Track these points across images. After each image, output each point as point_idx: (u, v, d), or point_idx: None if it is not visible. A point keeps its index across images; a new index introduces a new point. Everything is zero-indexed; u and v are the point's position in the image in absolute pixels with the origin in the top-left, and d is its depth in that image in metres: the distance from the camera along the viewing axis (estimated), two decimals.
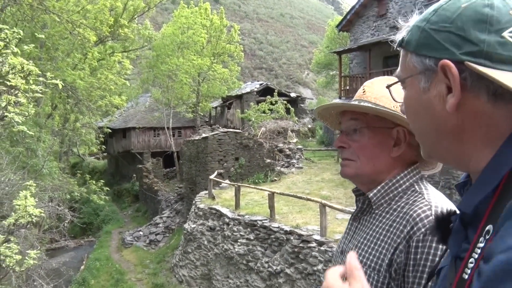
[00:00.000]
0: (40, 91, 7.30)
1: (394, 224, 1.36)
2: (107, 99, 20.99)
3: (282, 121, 29.57)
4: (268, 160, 22.81)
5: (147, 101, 38.10)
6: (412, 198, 1.40)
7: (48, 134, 19.53)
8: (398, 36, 0.95)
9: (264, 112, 28.91)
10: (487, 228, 0.72)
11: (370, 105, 1.46)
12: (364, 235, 1.46)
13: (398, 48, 0.94)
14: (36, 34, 15.02)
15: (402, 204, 1.40)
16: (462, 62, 0.76)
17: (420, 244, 1.27)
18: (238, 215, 14.21)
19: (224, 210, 15.09)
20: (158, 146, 36.99)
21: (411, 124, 0.93)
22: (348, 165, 1.50)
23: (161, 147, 36.74)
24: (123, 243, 24.17)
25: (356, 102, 1.50)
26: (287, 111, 29.37)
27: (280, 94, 32.13)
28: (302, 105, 39.43)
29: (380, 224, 1.42)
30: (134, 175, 34.41)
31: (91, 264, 21.07)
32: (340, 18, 40.46)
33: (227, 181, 19.19)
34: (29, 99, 7.39)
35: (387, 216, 1.42)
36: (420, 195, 1.39)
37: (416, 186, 1.44)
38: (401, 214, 1.37)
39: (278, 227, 12.19)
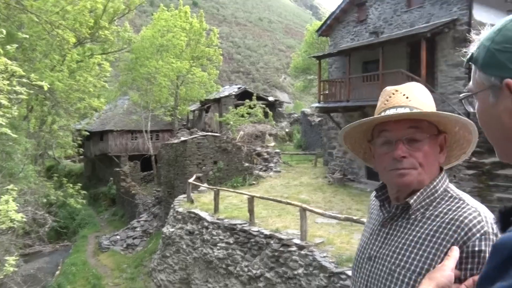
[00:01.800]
0: (25, 93, 7.17)
1: (441, 230, 1.38)
2: (86, 101, 20.76)
3: (260, 125, 29.67)
4: (247, 164, 22.83)
5: (125, 104, 37.80)
6: (453, 204, 1.43)
7: (23, 136, 19.18)
8: (470, 49, 1.01)
9: (242, 116, 28.95)
10: None
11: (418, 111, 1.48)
12: (402, 241, 1.46)
13: (469, 63, 1.01)
14: (17, 34, 14.75)
15: (445, 210, 1.42)
16: None
17: (476, 249, 1.30)
18: (217, 219, 14.16)
19: (203, 214, 15.02)
20: (135, 149, 36.73)
21: (485, 133, 1.00)
22: (409, 173, 1.46)
23: (139, 150, 36.48)
24: (99, 248, 23.88)
25: (408, 110, 1.49)
26: (265, 115, 29.45)
27: (258, 98, 32.24)
28: (280, 109, 39.62)
29: (422, 230, 1.43)
30: (111, 178, 34.07)
31: (66, 269, 20.74)
32: (318, 23, 40.79)
33: (205, 184, 19.12)
34: (13, 100, 7.26)
35: (428, 222, 1.43)
36: (461, 201, 1.43)
37: (451, 191, 1.49)
38: (447, 220, 1.39)
39: (258, 231, 12.19)
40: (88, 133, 27.78)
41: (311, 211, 10.84)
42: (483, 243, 1.30)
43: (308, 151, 30.35)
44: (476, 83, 0.97)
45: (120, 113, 37.09)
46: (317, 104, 21.90)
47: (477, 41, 0.99)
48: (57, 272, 21.13)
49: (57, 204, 24.45)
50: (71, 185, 21.25)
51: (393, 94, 1.55)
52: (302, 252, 10.39)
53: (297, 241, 10.85)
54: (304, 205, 11.12)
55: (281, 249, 11.03)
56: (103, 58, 24.23)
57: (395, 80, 16.63)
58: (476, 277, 1.23)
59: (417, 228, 1.45)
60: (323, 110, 21.39)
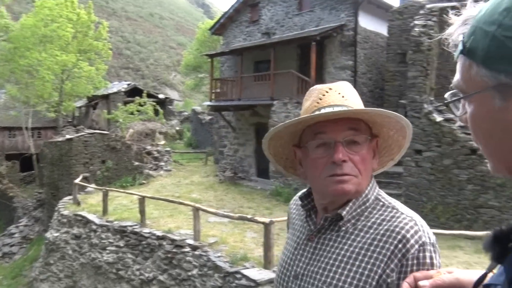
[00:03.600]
0: None
1: (376, 242, 1.26)
2: None
3: (150, 122, 29.08)
4: (136, 163, 22.25)
5: (1, 98, 35.00)
6: (387, 213, 1.32)
7: None
8: (452, 34, 0.79)
9: (132, 113, 28.14)
10: None
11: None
12: (333, 256, 1.33)
13: (457, 55, 0.78)
14: None
15: (378, 221, 1.31)
16: None
17: (415, 262, 1.21)
18: (106, 221, 13.55)
19: (91, 216, 14.30)
20: (14, 148, 34.22)
21: (481, 145, 0.79)
22: (349, 180, 1.32)
23: (18, 149, 34.06)
24: None
25: (345, 109, 1.34)
26: (156, 112, 28.90)
27: (149, 96, 31.54)
28: (170, 107, 39.22)
29: (355, 243, 1.30)
30: None
31: None
32: (210, 21, 40.79)
33: (93, 185, 18.27)
34: None
35: (361, 234, 1.31)
36: (395, 210, 1.33)
37: (382, 200, 1.38)
38: (382, 231, 1.27)
39: (150, 233, 11.84)
40: None
41: (204, 210, 10.72)
42: (421, 254, 1.21)
43: (199, 149, 30.30)
44: (472, 82, 0.74)
45: None
46: (208, 103, 21.90)
47: (464, 24, 0.77)
48: None
49: None
50: None
51: (327, 92, 1.40)
52: (196, 252, 10.23)
53: (191, 241, 10.67)
54: (197, 205, 11.02)
55: (174, 250, 10.79)
56: None
57: (286, 81, 17.11)
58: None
59: (349, 242, 1.32)
60: (214, 109, 21.44)
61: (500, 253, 0.76)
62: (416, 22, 13.55)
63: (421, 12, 14.10)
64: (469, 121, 0.79)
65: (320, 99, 1.39)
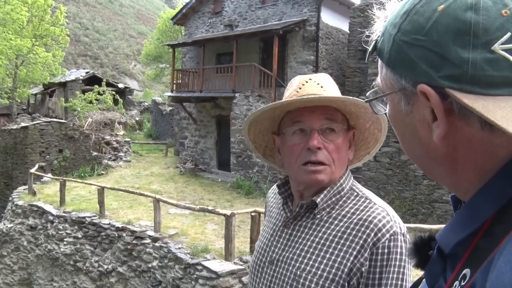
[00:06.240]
0: None
1: (349, 231, 1.31)
2: None
3: (109, 112, 28.59)
4: (95, 153, 21.90)
5: None
6: (360, 203, 1.38)
7: None
8: (374, 32, 0.75)
9: (90, 102, 27.54)
10: (464, 272, 0.60)
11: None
12: (308, 243, 1.37)
13: (368, 53, 0.77)
14: None
15: (352, 210, 1.36)
16: (443, 87, 0.60)
17: (386, 250, 1.26)
18: (64, 212, 13.29)
19: (47, 207, 13.98)
20: None
21: (400, 143, 0.77)
22: (323, 171, 1.36)
23: None
24: None
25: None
26: (115, 102, 28.41)
27: (108, 84, 30.93)
28: (130, 96, 38.58)
29: (329, 231, 1.35)
30: None
31: None
32: (171, 11, 40.30)
33: (50, 175, 17.86)
34: None
35: (335, 222, 1.36)
36: (368, 201, 1.38)
37: (357, 190, 1.43)
38: (355, 221, 1.32)
39: (109, 224, 11.70)
40: None
41: (165, 202, 10.69)
42: (392, 243, 1.27)
43: (159, 140, 30.02)
44: (385, 82, 0.72)
45: None
46: (169, 93, 21.73)
47: (382, 21, 0.73)
48: None
49: None
50: None
51: (306, 82, 1.44)
52: (156, 244, 10.19)
53: (151, 233, 10.62)
54: (158, 196, 10.98)
55: (134, 241, 10.70)
56: None
57: (248, 73, 17.16)
58: None
59: (323, 229, 1.36)
60: (175, 100, 21.29)
61: (421, 261, 0.76)
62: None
63: None
64: (390, 121, 0.78)
65: (300, 89, 1.43)
